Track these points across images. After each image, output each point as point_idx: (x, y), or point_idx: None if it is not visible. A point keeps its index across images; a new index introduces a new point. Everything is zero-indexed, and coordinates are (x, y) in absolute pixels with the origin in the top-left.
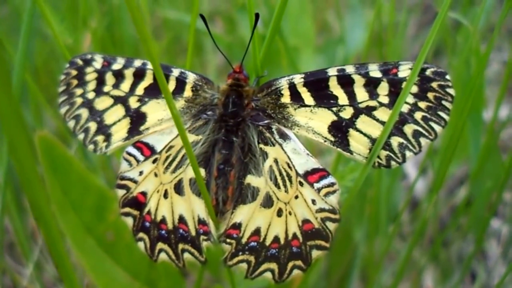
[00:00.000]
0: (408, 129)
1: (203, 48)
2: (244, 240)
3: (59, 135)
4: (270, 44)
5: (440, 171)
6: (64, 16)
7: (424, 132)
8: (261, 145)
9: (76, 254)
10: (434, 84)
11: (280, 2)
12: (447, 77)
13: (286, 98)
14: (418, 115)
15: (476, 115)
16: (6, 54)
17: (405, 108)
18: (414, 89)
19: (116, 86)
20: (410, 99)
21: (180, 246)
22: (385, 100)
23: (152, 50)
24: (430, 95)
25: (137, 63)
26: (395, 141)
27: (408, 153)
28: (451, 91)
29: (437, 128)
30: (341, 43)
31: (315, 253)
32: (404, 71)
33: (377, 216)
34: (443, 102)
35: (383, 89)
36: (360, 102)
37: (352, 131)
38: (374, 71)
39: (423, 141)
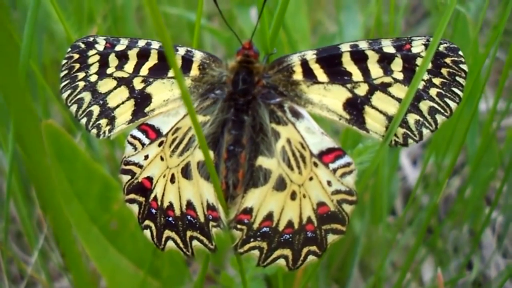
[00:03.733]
0: (424, 105)
1: (202, 45)
2: (255, 226)
3: (66, 128)
4: (277, 31)
5: (449, 163)
6: (70, 15)
7: (439, 108)
8: (273, 125)
9: (81, 243)
10: (448, 60)
11: None
12: (460, 52)
13: (298, 75)
14: (433, 92)
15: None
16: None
17: (420, 85)
18: (429, 65)
19: (119, 67)
20: (425, 76)
21: (189, 233)
22: (399, 76)
23: (160, 21)
24: (444, 71)
25: (141, 43)
26: (412, 118)
27: (425, 130)
28: (464, 66)
29: (452, 104)
30: (335, 39)
31: (330, 238)
32: (417, 46)
33: (378, 206)
34: (457, 78)
35: (397, 65)
36: (375, 79)
37: (367, 108)
38: (388, 47)
39: (439, 118)
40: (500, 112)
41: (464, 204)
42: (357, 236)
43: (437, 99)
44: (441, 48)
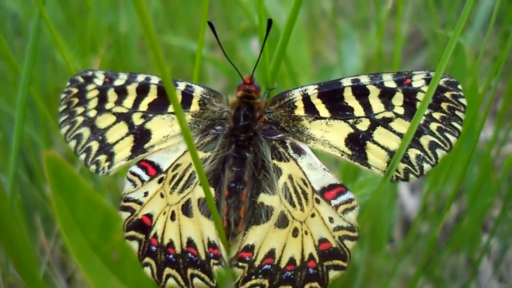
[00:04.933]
0: (425, 140)
1: (205, 75)
2: (257, 263)
3: (69, 159)
4: (277, 66)
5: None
6: (74, 44)
7: (440, 143)
8: (275, 161)
9: (83, 273)
10: (448, 94)
11: (286, 27)
12: (459, 86)
13: (300, 110)
14: (433, 126)
15: (470, 138)
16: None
17: (421, 119)
18: (430, 100)
19: (118, 102)
20: (425, 110)
21: (189, 271)
22: (400, 111)
23: (160, 55)
24: (444, 105)
25: (140, 78)
26: (413, 153)
27: (425, 165)
28: (463, 101)
29: (452, 139)
30: (335, 69)
31: (332, 274)
32: (417, 81)
33: (378, 236)
34: (457, 112)
35: (398, 99)
36: (376, 114)
37: (369, 144)
38: (389, 81)
39: (439, 152)
40: (497, 141)
41: (462, 233)
42: (357, 265)
43: (437, 133)
44: (441, 82)
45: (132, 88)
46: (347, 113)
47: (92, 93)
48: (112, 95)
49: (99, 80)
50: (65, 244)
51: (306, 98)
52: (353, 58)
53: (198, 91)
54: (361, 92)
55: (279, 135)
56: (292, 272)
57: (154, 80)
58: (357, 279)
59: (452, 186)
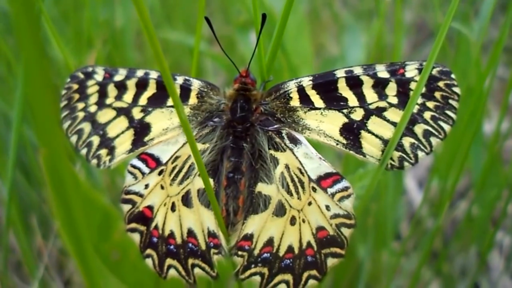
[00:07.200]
0: (419, 129)
1: (204, 70)
2: (256, 252)
3: (68, 157)
4: (273, 59)
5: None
6: (69, 40)
7: (434, 131)
8: (272, 151)
9: (82, 273)
10: (441, 83)
11: (281, 19)
12: (453, 76)
13: (295, 102)
14: (427, 115)
15: (476, 129)
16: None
17: (414, 108)
18: (422, 89)
19: (118, 97)
20: (419, 99)
21: (190, 261)
22: (394, 100)
23: (158, 49)
24: (438, 94)
25: (140, 73)
26: (407, 141)
27: (420, 153)
28: (457, 89)
29: (446, 127)
30: (338, 62)
31: (330, 261)
32: (410, 71)
33: (382, 231)
34: (450, 101)
35: (392, 89)
36: (370, 103)
37: (364, 133)
38: (382, 72)
39: (433, 140)
40: (506, 132)
41: (470, 225)
42: (362, 262)
43: (431, 122)
44: (434, 72)
45: (131, 83)
46: (341, 103)
47: (92, 89)
48: (112, 90)
49: (99, 76)
50: (64, 244)
51: (301, 90)
52: (356, 50)
53: (196, 84)
54: (354, 83)
55: (275, 126)
56: (291, 260)
57: (153, 74)
58: (363, 276)
59: (459, 180)
